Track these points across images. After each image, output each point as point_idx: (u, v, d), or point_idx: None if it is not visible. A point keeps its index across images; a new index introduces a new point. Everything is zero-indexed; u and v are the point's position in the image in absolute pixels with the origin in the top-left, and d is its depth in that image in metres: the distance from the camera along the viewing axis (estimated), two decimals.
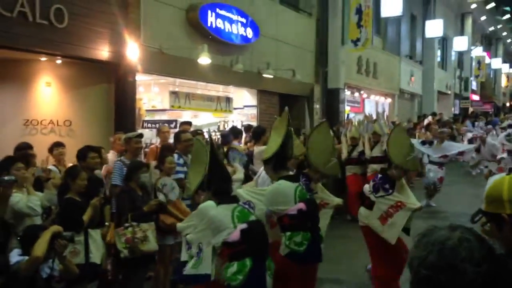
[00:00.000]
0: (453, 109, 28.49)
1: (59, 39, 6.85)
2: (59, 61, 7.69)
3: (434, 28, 23.43)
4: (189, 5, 9.39)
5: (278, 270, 4.04)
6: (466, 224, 1.51)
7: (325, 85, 14.09)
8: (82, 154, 5.28)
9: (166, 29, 8.93)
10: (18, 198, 4.44)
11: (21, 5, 6.37)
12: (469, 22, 30.77)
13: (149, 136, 9.78)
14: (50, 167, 5.58)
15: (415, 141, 10.09)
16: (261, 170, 6.07)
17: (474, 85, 34.01)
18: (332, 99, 14.12)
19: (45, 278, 3.56)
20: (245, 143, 8.73)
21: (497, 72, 41.80)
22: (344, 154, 9.12)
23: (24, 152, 5.46)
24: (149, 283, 5.43)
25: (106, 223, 5.07)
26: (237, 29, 10.34)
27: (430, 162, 10.50)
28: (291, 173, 4.42)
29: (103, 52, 7.61)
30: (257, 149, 7.06)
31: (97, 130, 7.77)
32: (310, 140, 5.04)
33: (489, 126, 15.72)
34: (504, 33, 39.54)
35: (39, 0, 6.55)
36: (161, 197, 5.06)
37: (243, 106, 12.13)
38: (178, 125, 10.22)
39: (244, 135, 9.06)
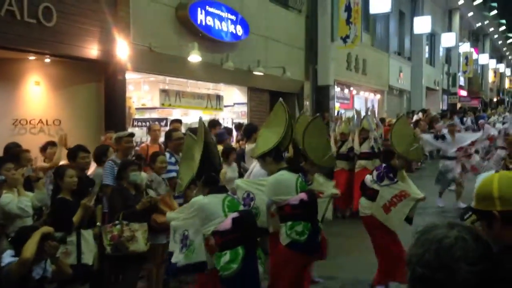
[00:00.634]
0: (441, 104, 28.69)
1: (47, 37, 6.79)
2: (47, 60, 7.62)
3: (422, 24, 23.57)
4: (179, 2, 9.35)
5: (278, 260, 4.08)
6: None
7: (315, 82, 14.12)
8: (73, 154, 5.25)
9: (156, 27, 8.88)
10: (9, 199, 4.40)
11: (9, 4, 6.30)
12: (456, 18, 30.98)
13: (140, 135, 9.73)
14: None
15: (428, 137, 10.26)
16: (252, 167, 6.10)
17: (461, 80, 34.27)
18: (322, 96, 14.17)
19: (37, 279, 3.54)
20: (237, 141, 8.72)
21: (484, 67, 42.19)
22: (333, 149, 9.16)
23: (17, 150, 5.41)
24: (141, 282, 5.41)
25: (98, 223, 5.03)
26: (227, 26, 10.32)
27: (444, 157, 9.98)
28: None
29: (92, 50, 7.56)
30: (248, 147, 7.05)
31: (87, 129, 7.72)
32: (305, 135, 5.09)
33: (481, 121, 15.80)
34: (491, 29, 39.88)
35: None
36: (151, 193, 5.05)
37: (234, 104, 12.12)
38: (168, 123, 10.23)
39: (235, 133, 9.06)
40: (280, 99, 4.66)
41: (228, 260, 3.34)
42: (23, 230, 3.65)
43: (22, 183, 4.63)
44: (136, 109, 10.64)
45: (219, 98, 11.08)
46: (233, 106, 12.12)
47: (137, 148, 7.72)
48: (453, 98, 30.55)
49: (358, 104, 18.89)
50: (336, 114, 14.65)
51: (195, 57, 8.97)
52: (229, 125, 10.99)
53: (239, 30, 10.67)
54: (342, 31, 14.38)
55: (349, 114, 12.20)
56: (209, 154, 3.71)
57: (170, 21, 9.23)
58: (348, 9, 14.48)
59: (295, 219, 4.09)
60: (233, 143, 8.61)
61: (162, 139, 7.22)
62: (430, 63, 27.51)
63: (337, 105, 16.18)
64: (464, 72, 33.41)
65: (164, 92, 9.74)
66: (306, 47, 13.99)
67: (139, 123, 10.38)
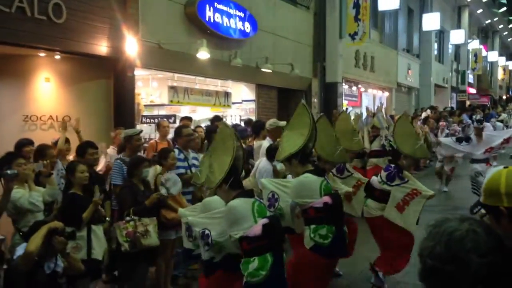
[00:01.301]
0: (450, 102, 28.55)
1: (57, 34, 6.83)
2: (57, 57, 7.66)
3: (431, 21, 23.45)
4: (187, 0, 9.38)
5: (300, 263, 4.08)
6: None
7: (323, 79, 14.10)
8: (81, 150, 5.29)
9: (165, 24, 8.90)
10: (20, 194, 4.45)
11: (19, 1, 6.34)
12: (465, 15, 30.78)
13: (148, 131, 9.77)
14: None
15: (449, 140, 9.71)
16: (257, 163, 6.14)
17: (470, 78, 34.07)
18: (330, 93, 14.15)
19: (48, 273, 3.57)
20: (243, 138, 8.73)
21: (493, 65, 41.89)
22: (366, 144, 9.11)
23: (43, 146, 5.50)
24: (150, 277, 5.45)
25: (107, 219, 5.07)
26: (235, 23, 10.33)
27: (474, 161, 9.23)
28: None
29: (102, 47, 7.59)
30: (257, 143, 7.06)
31: (96, 126, 7.76)
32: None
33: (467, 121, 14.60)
34: (501, 26, 39.58)
35: None
36: (163, 191, 5.08)
37: (242, 101, 12.14)
38: (176, 120, 10.25)
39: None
40: (302, 100, 4.70)
41: (257, 267, 3.27)
42: (36, 225, 3.69)
43: (33, 178, 4.68)
44: (145, 105, 10.67)
45: (227, 95, 11.11)
46: (241, 103, 12.14)
47: (145, 144, 7.77)
48: (462, 96, 30.41)
49: (366, 101, 18.85)
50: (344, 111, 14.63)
51: (203, 54, 8.98)
52: (237, 122, 11.01)
53: (247, 27, 10.68)
54: (351, 28, 14.35)
55: (357, 111, 12.18)
56: (238, 158, 3.67)
57: (178, 18, 9.25)
58: (356, 5, 14.44)
59: (319, 222, 4.09)
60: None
61: (170, 135, 7.24)
62: (439, 60, 27.37)
63: (345, 102, 16.15)
64: (473, 70, 33.22)
65: (173, 89, 9.77)
66: (314, 44, 13.96)
67: (148, 120, 10.41)
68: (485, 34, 38.82)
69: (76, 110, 7.84)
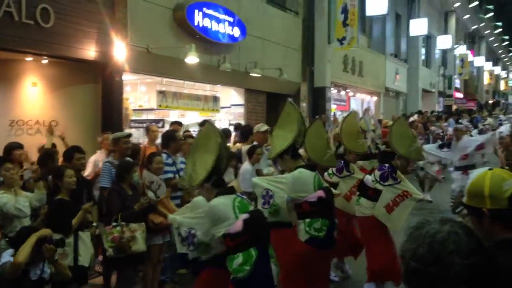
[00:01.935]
0: (437, 106, 28.80)
1: (45, 38, 6.80)
2: (45, 61, 7.63)
3: (418, 26, 23.68)
4: (176, 4, 9.38)
5: (297, 256, 4.14)
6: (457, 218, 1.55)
7: (311, 83, 14.18)
8: (68, 155, 5.27)
9: (153, 29, 8.90)
10: (6, 199, 4.41)
11: (7, 5, 6.30)
12: (452, 21, 31.14)
13: (136, 136, 9.74)
14: None
15: (430, 147, 9.57)
16: (242, 168, 6.19)
17: (457, 83, 34.40)
18: (318, 98, 14.22)
19: (35, 280, 3.55)
20: (234, 143, 8.75)
21: (480, 69, 42.35)
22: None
23: (52, 151, 5.52)
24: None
25: (94, 224, 5.05)
26: (224, 28, 10.35)
27: (456, 168, 8.74)
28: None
29: (90, 51, 7.57)
30: (245, 148, 7.08)
31: (84, 131, 7.72)
32: (306, 138, 5.16)
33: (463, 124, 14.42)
34: (487, 31, 40.07)
35: (25, 0, 6.49)
36: (150, 194, 5.07)
37: (230, 105, 12.15)
38: (165, 125, 10.23)
39: (233, 133, 9.09)
40: (289, 99, 4.90)
41: (241, 262, 3.30)
42: (23, 231, 3.67)
43: (20, 183, 4.64)
44: (133, 110, 10.64)
45: (216, 99, 11.10)
46: (230, 108, 12.14)
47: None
48: (449, 100, 30.70)
49: (355, 106, 18.96)
50: (332, 115, 14.70)
51: (192, 59, 8.99)
52: (226, 126, 11.00)
53: (236, 32, 10.71)
54: (339, 33, 14.45)
55: (344, 115, 12.25)
56: (221, 157, 3.70)
57: (167, 23, 9.25)
58: (344, 11, 14.55)
59: (313, 216, 4.21)
60: (231, 144, 8.63)
61: (159, 140, 7.24)
62: (426, 65, 27.62)
63: (333, 106, 16.23)
64: (460, 75, 33.56)
65: (161, 93, 9.75)
66: (303, 48, 14.04)
67: (136, 124, 10.39)
68: (472, 39, 39.29)
69: (63, 115, 7.80)
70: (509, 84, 53.24)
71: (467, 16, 33.06)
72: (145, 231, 4.87)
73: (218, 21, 10.20)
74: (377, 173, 5.41)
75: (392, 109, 22.29)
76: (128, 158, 5.74)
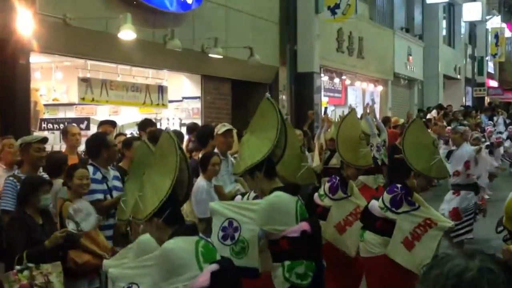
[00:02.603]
0: (464, 99, 29.29)
1: None
2: None
3: None
4: None
5: None
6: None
7: (293, 68, 14.25)
8: None
9: None
10: None
11: None
12: None
13: (51, 141, 9.61)
14: None
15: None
16: (195, 186, 6.20)
17: (491, 67, 35.03)
18: (303, 87, 14.29)
19: None
20: (188, 150, 8.72)
21: None
22: (317, 162, 9.23)
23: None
24: None
25: None
26: None
27: (452, 186, 8.97)
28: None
29: None
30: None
31: None
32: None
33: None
34: None
35: None
36: (70, 226, 5.01)
37: (182, 98, 12.14)
38: (90, 126, 10.11)
39: (186, 137, 9.06)
40: (267, 94, 4.91)
41: None
42: None
43: None
44: (45, 105, 10.51)
45: (162, 90, 11.06)
46: (181, 102, 12.13)
47: None
48: (479, 91, 31.23)
49: (353, 98, 19.14)
50: (323, 111, 14.78)
51: (127, 34, 8.94)
52: (176, 127, 10.98)
53: None
54: None
55: (341, 112, 12.34)
56: (181, 182, 3.65)
57: None
58: None
59: (295, 257, 4.17)
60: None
61: (82, 147, 7.16)
62: (448, 44, 28.10)
63: (324, 99, 16.35)
64: (494, 56, 34.14)
65: (85, 82, 9.65)
66: (281, 20, 14.12)
67: (50, 125, 10.27)
68: (508, 9, 40.13)
69: None
70: None
71: None
72: (62, 273, 4.81)
73: None
74: (387, 196, 5.42)
75: (404, 103, 22.59)
76: (42, 173, 5.65)
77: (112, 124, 8.36)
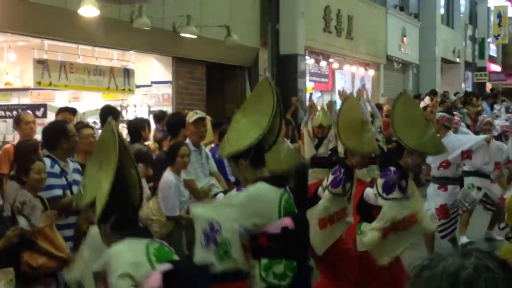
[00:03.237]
0: (463, 85, 29.46)
1: None
2: None
3: None
4: None
5: None
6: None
7: (275, 49, 14.24)
8: None
9: None
10: None
11: None
12: None
13: (3, 131, 9.58)
14: None
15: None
16: (162, 181, 6.19)
17: (493, 49, 35.27)
18: (286, 71, 14.26)
19: None
20: (156, 140, 8.71)
21: None
22: (307, 151, 9.28)
23: None
24: None
25: None
26: None
27: (434, 180, 9.05)
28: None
29: None
30: None
31: None
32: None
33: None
34: None
35: None
36: (22, 222, 4.99)
37: (151, 83, 12.12)
38: (48, 113, 10.06)
39: (154, 127, 9.06)
40: (267, 74, 4.83)
41: None
42: None
43: None
44: None
45: (128, 74, 11.03)
46: (150, 87, 12.12)
47: None
48: (480, 76, 31.44)
49: (342, 83, 19.17)
50: (309, 98, 14.81)
51: (89, 10, 8.88)
52: (145, 115, 10.97)
53: None
54: None
55: (328, 98, 12.40)
56: (124, 182, 3.63)
57: None
58: None
59: (273, 255, 4.17)
60: (150, 143, 8.58)
61: (38, 137, 7.12)
62: (447, 24, 28.23)
63: (310, 85, 16.39)
64: (497, 37, 34.37)
65: (41, 64, 9.59)
66: None
67: (1, 113, 10.24)
68: None
69: None
70: None
71: None
72: (13, 280, 4.80)
73: None
74: (380, 181, 5.53)
75: (398, 89, 22.58)
76: None
77: (72, 111, 8.31)
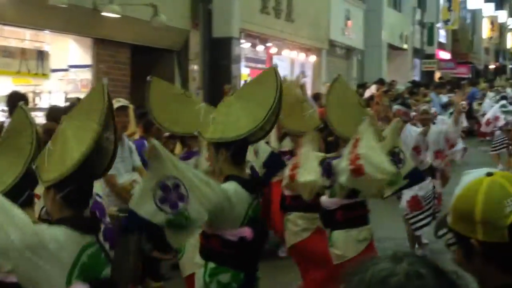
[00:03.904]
0: (411, 72, 29.95)
1: None
2: None
3: None
4: None
5: None
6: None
7: (208, 32, 14.29)
8: None
9: None
10: None
11: None
12: None
13: None
14: None
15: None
16: None
17: (442, 35, 35.98)
18: (219, 56, 14.36)
19: None
20: None
21: (476, 15, 44.44)
22: (274, 142, 9.26)
23: None
24: None
25: None
26: None
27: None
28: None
29: None
30: None
31: None
32: None
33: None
34: None
35: None
36: None
37: (68, 67, 12.01)
38: None
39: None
40: (275, 64, 4.81)
41: None
42: None
43: None
44: None
45: (42, 56, 10.95)
46: (67, 71, 12.00)
47: None
48: (429, 63, 32.02)
49: (281, 70, 19.19)
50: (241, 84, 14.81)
51: None
52: (60, 103, 10.77)
53: None
54: None
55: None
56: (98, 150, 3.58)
57: None
58: None
59: (222, 262, 4.23)
60: None
61: None
62: (394, 7, 28.64)
63: (245, 71, 16.43)
64: (446, 22, 35.03)
65: None
66: None
67: None
68: None
69: None
70: None
71: None
72: None
73: None
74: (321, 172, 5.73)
75: (341, 76, 22.85)
76: None
77: None
